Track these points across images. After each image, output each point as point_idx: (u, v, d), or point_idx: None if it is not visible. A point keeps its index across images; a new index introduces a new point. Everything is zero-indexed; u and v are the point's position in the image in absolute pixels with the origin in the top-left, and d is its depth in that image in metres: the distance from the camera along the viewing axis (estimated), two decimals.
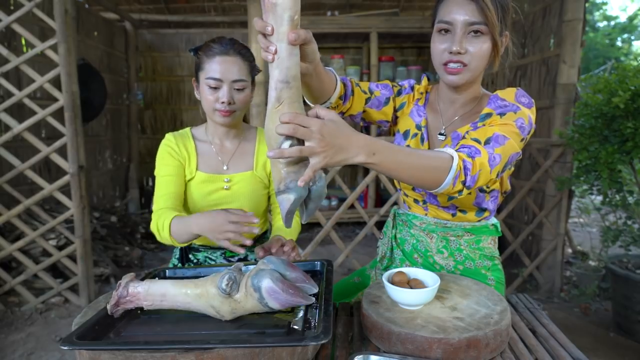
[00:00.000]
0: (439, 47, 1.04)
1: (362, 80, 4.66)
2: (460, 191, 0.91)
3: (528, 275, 3.20)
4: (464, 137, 1.00)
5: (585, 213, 3.55)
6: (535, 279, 3.28)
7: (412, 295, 0.93)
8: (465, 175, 0.89)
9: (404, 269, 1.04)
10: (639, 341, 2.50)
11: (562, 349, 0.94)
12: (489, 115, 1.04)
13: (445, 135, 1.16)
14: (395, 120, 1.28)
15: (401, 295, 0.94)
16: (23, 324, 2.71)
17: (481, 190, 1.15)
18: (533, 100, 1.06)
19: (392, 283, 0.97)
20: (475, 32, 1.00)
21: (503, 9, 1.01)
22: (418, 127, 1.20)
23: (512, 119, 1.00)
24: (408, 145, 1.19)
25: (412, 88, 1.26)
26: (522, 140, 1.01)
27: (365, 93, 1.22)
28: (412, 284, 0.99)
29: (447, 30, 1.02)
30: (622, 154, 2.52)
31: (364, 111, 1.23)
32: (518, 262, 3.31)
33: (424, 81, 1.27)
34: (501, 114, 1.02)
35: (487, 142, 0.95)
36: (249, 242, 1.10)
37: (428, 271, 1.03)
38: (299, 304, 0.87)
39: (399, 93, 1.26)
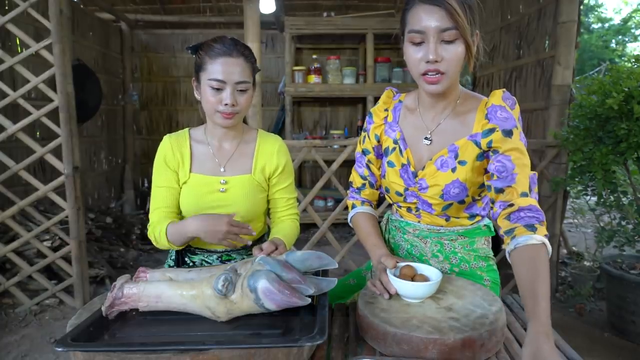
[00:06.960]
0: (414, 58, 1.02)
1: (357, 81, 4.66)
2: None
3: None
4: (509, 186, 1.02)
5: (580, 214, 3.58)
6: None
7: (412, 288, 0.98)
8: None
9: (413, 264, 1.08)
10: (634, 341, 2.52)
11: (557, 349, 0.94)
12: (492, 130, 1.06)
13: (430, 140, 1.15)
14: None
15: (403, 287, 0.99)
16: (17, 326, 2.69)
17: (474, 199, 1.16)
18: (515, 99, 1.09)
19: (399, 276, 1.03)
20: (448, 37, 0.99)
21: (471, 9, 1.00)
22: (395, 142, 1.20)
23: (518, 138, 1.05)
24: (389, 161, 1.20)
25: (371, 116, 1.27)
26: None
27: (375, 185, 1.30)
28: (416, 279, 1.02)
29: (419, 40, 1.01)
30: (616, 155, 2.53)
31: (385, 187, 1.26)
32: None
33: (386, 96, 1.25)
34: (505, 132, 1.04)
35: (530, 189, 1.03)
36: (250, 242, 1.24)
37: (434, 268, 1.06)
38: (295, 304, 0.87)
39: (366, 135, 1.27)
